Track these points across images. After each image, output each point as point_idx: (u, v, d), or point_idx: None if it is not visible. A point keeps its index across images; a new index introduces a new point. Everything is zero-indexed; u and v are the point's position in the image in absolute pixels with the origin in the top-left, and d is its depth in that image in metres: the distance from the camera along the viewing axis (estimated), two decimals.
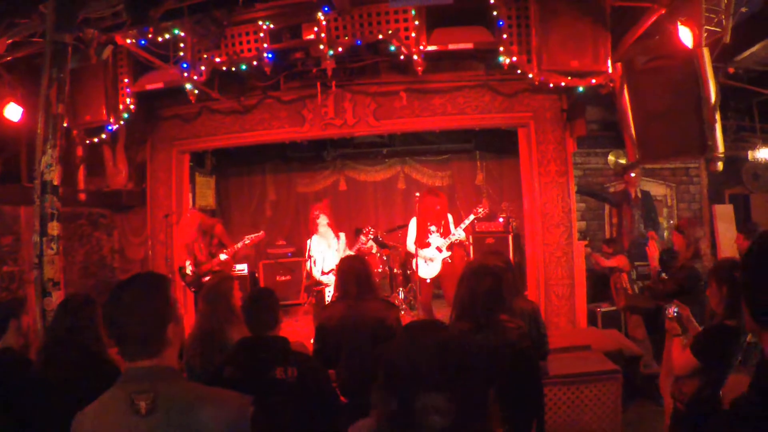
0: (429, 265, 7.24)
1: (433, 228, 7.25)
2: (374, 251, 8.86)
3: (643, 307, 7.13)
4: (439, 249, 7.20)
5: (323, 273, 7.33)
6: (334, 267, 7.24)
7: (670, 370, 3.97)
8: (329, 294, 7.28)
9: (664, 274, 5.93)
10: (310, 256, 7.22)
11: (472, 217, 7.26)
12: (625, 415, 5.73)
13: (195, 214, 7.54)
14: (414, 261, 7.36)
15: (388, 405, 1.52)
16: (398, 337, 1.72)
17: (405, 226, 9.18)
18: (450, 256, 7.22)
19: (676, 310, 3.79)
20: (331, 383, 3.48)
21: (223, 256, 7.12)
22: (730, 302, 3.44)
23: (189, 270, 7.20)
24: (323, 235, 7.42)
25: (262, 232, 7.56)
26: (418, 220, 7.39)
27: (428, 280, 7.31)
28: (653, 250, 5.95)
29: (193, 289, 7.32)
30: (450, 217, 7.47)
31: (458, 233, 7.22)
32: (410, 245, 7.45)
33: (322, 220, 7.44)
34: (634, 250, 8.33)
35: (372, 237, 7.62)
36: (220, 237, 7.41)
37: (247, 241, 7.32)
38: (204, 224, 7.29)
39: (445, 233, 7.23)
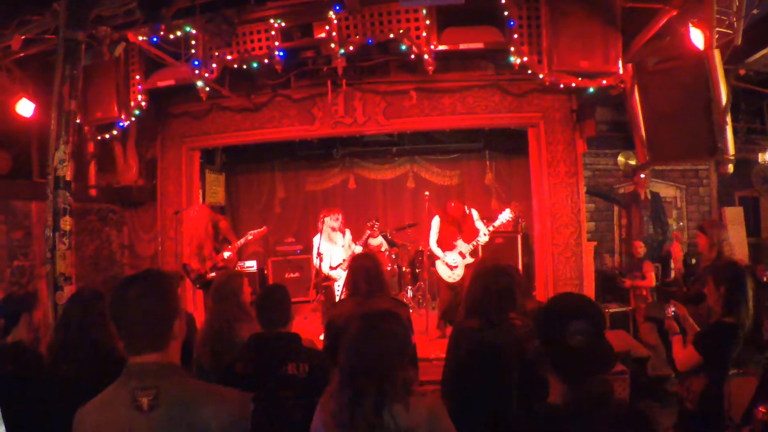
0: (452, 270, 7.22)
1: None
2: (383, 249, 8.87)
3: (661, 319, 7.08)
4: (462, 254, 7.16)
5: (331, 268, 7.34)
6: (341, 261, 7.26)
7: None
8: (338, 289, 7.29)
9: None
10: (319, 254, 7.23)
11: (498, 222, 7.15)
12: None
13: (203, 208, 7.56)
14: (436, 262, 7.35)
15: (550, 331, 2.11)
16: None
17: (414, 225, 9.20)
18: (473, 263, 7.13)
19: (674, 309, 3.96)
20: None
21: (227, 254, 7.16)
22: (728, 301, 3.58)
23: (194, 266, 7.23)
24: (330, 233, 7.42)
25: (264, 228, 7.59)
26: (441, 219, 7.37)
27: (451, 282, 7.28)
28: (677, 252, 5.93)
29: (197, 286, 7.35)
30: (475, 213, 7.41)
31: (483, 238, 7.17)
32: (433, 245, 7.39)
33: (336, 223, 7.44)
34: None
35: (377, 230, 7.60)
36: (225, 233, 7.44)
37: (249, 237, 7.36)
38: (212, 219, 7.33)
39: (470, 236, 7.20)
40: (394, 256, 9.13)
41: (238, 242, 7.32)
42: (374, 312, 2.60)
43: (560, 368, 2.10)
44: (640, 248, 7.97)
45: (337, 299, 7.16)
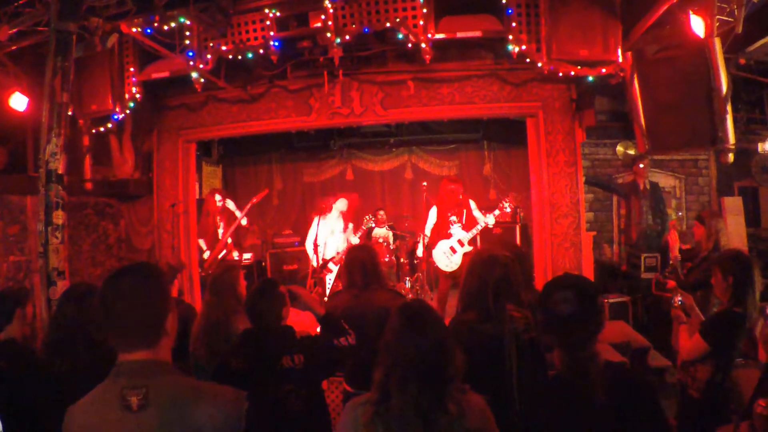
0: (449, 258, 7.19)
1: (454, 218, 7.19)
2: (380, 240, 8.84)
3: None
4: (461, 242, 7.13)
5: (324, 261, 7.31)
6: (335, 254, 7.23)
7: None
8: (330, 282, 7.27)
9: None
10: (316, 246, 7.19)
11: (497, 212, 7.16)
12: None
13: (227, 205, 7.67)
14: (433, 252, 7.35)
15: (543, 302, 2.28)
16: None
17: (413, 217, 9.18)
18: (471, 252, 7.12)
19: (680, 299, 4.05)
20: (334, 345, 3.40)
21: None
22: (737, 291, 3.60)
23: (206, 254, 7.33)
24: (330, 220, 7.39)
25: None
26: (438, 209, 7.34)
27: (448, 272, 7.26)
28: (674, 240, 5.92)
29: (203, 274, 7.41)
30: (472, 203, 7.41)
31: (483, 225, 7.15)
32: (429, 231, 7.43)
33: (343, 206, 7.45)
34: (642, 242, 8.28)
35: (374, 222, 7.60)
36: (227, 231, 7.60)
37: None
38: (229, 219, 7.50)
39: (468, 225, 7.16)
40: (393, 248, 9.09)
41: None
42: (410, 303, 2.51)
43: (552, 335, 2.32)
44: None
45: (328, 291, 7.15)
